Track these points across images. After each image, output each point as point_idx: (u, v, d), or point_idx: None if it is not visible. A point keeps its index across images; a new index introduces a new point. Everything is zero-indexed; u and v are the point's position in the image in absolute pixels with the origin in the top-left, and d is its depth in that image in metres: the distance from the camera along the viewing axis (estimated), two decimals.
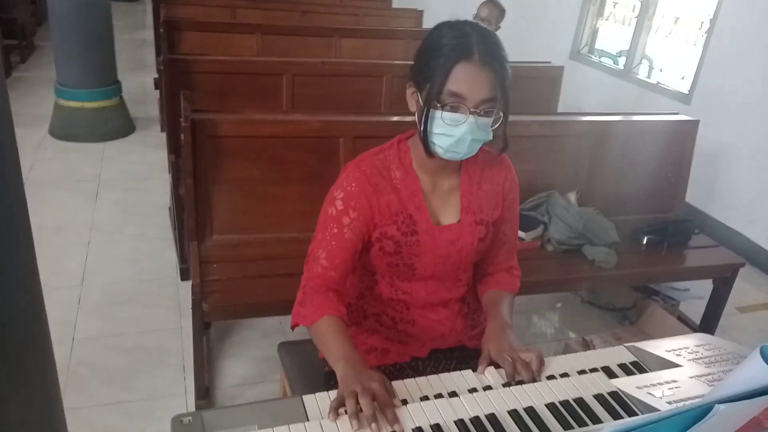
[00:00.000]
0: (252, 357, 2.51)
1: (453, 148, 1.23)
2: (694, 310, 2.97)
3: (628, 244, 2.66)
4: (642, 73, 4.92)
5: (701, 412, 0.55)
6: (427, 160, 1.31)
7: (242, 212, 2.35)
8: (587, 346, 2.42)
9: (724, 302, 2.77)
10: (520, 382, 1.17)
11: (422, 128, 1.24)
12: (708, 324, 2.82)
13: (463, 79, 1.17)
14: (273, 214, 2.37)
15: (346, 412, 1.03)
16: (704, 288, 2.88)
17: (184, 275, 2.95)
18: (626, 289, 2.98)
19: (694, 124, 2.85)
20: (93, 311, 2.71)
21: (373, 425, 1.01)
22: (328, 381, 1.45)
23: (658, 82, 4.65)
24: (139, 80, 6.01)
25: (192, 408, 2.19)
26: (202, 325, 2.11)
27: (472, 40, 1.18)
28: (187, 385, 2.30)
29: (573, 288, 2.84)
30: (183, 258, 3.00)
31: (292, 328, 1.34)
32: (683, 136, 2.87)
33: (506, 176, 1.43)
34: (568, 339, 2.72)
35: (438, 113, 1.20)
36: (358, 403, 1.04)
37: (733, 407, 0.56)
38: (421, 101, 1.24)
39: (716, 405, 0.55)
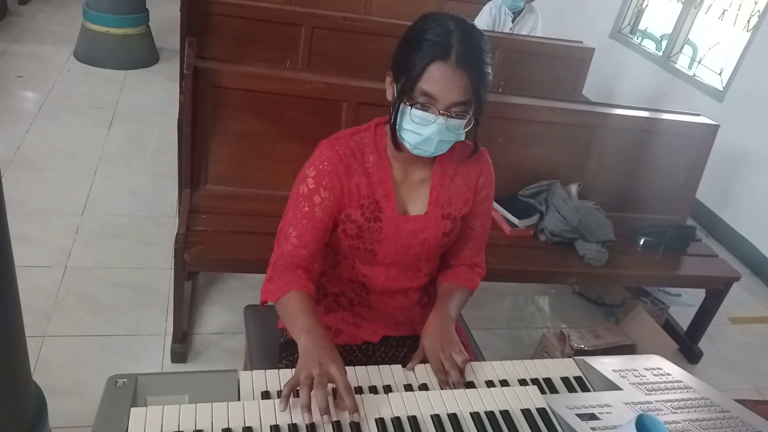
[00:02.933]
0: (235, 307, 2.56)
1: (420, 146, 1.21)
2: (685, 315, 2.94)
3: (624, 243, 2.62)
4: (681, 62, 4.73)
5: None
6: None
7: (238, 165, 2.37)
8: (563, 339, 2.42)
9: (714, 313, 2.74)
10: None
11: (392, 121, 1.22)
12: (694, 333, 2.80)
13: (436, 79, 1.14)
14: (268, 170, 2.38)
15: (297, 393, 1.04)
16: (697, 295, 2.84)
17: None
18: (618, 286, 2.95)
19: (714, 128, 2.75)
20: (89, 241, 2.77)
21: (325, 417, 1.00)
22: (282, 352, 1.48)
23: (695, 75, 4.48)
24: (170, 9, 5.90)
25: (168, 349, 2.26)
26: (183, 274, 2.16)
27: (452, 40, 1.14)
28: (168, 327, 2.37)
29: (559, 282, 2.83)
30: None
31: (261, 304, 1.36)
32: (701, 139, 2.77)
33: (482, 171, 1.40)
34: (547, 329, 2.72)
35: (408, 109, 1.18)
36: (309, 390, 1.02)
37: None
38: (395, 93, 1.21)
39: None
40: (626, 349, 2.48)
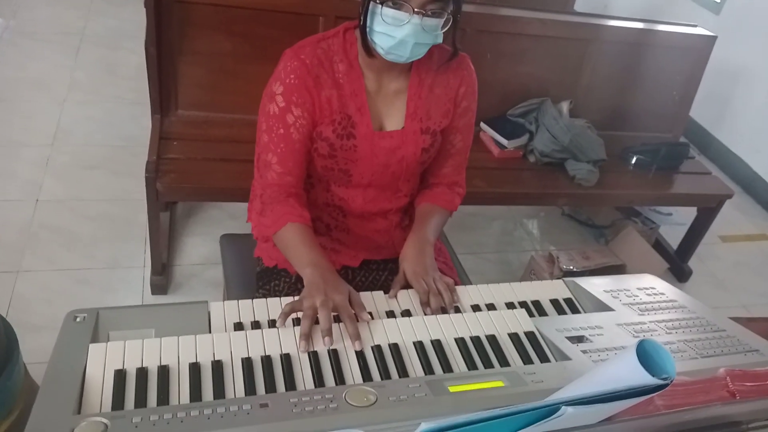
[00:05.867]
0: (215, 236, 2.44)
1: (394, 50, 1.10)
2: (675, 234, 2.90)
3: (616, 162, 2.54)
4: None
5: (545, 412, 0.49)
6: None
7: (209, 88, 2.23)
8: (552, 261, 2.38)
9: (705, 231, 2.70)
10: (443, 309, 1.13)
11: (362, 23, 1.10)
12: (684, 252, 2.77)
13: None
14: (242, 93, 2.24)
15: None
16: (688, 214, 2.80)
17: None
18: (608, 207, 2.90)
19: (711, 40, 2.62)
20: (61, 173, 2.66)
21: (326, 339, 0.97)
22: (258, 281, 1.41)
23: None
24: None
25: (147, 281, 2.20)
26: (157, 204, 2.07)
27: None
28: (147, 259, 2.29)
29: (549, 203, 2.76)
30: None
31: (256, 237, 1.32)
32: (697, 52, 2.64)
33: (463, 79, 1.29)
34: (536, 251, 2.68)
35: (379, 9, 1.05)
36: (312, 321, 0.99)
37: (584, 411, 0.49)
38: None
39: (563, 407, 0.49)
40: (616, 269, 2.45)
